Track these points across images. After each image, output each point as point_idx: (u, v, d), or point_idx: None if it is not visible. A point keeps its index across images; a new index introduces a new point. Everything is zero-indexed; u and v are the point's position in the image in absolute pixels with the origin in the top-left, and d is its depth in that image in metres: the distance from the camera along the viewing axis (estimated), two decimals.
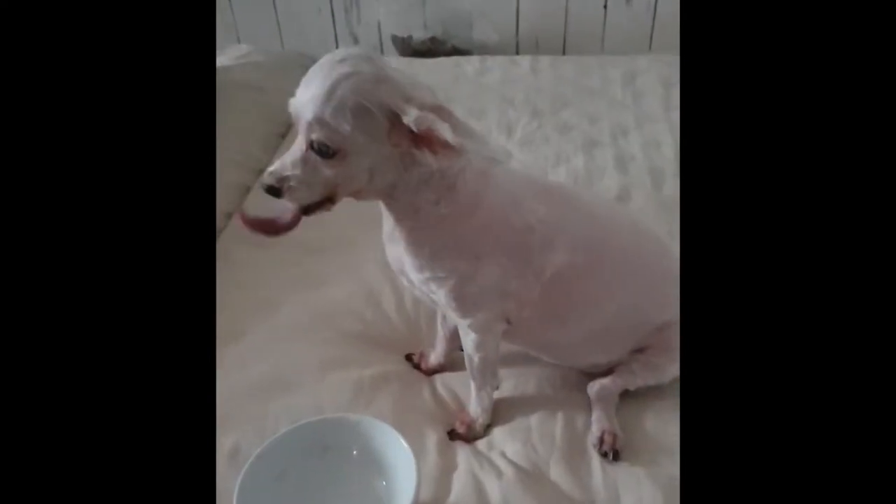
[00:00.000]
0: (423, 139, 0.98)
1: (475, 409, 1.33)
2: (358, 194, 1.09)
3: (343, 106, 0.97)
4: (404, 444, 1.01)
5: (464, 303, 1.19)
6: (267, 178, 1.03)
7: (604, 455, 1.26)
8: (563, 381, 1.43)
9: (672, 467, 1.23)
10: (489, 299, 1.20)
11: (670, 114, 2.40)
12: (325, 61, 1.00)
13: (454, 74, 2.75)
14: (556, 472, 1.24)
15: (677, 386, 1.36)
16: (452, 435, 1.33)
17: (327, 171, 1.02)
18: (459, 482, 1.22)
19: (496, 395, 1.36)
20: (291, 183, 1.02)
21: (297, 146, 1.03)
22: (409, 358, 1.52)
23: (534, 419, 1.34)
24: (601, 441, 1.28)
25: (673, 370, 1.34)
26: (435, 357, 1.48)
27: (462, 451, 1.29)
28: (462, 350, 1.43)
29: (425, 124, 0.96)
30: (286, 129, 2.43)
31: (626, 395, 1.37)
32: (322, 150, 1.00)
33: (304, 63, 2.89)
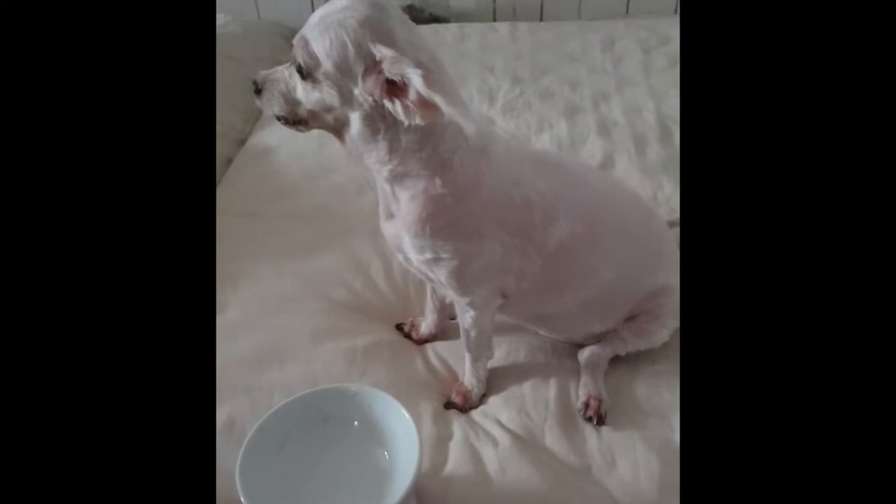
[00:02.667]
0: (396, 91, 0.97)
1: (470, 379, 1.34)
2: (336, 133, 1.10)
3: (325, 34, 0.99)
4: (406, 414, 1.00)
5: (465, 282, 1.19)
6: (258, 76, 1.10)
7: (588, 420, 1.28)
8: (554, 349, 1.44)
9: (666, 431, 1.25)
10: (490, 277, 1.19)
11: (650, 78, 2.40)
12: None
13: (433, 42, 2.68)
14: (551, 439, 1.25)
15: (669, 351, 1.38)
16: (448, 405, 1.33)
17: (300, 92, 1.06)
18: (456, 451, 1.23)
19: (489, 363, 1.37)
20: (270, 87, 1.09)
21: (284, 67, 1.08)
22: (399, 327, 1.52)
23: (527, 386, 1.35)
24: (586, 406, 1.29)
25: (662, 335, 1.35)
26: (426, 327, 1.48)
27: (457, 420, 1.30)
28: (452, 319, 1.43)
29: (398, 70, 0.94)
30: None
31: (617, 361, 1.38)
32: (299, 69, 1.04)
33: (281, 33, 2.87)
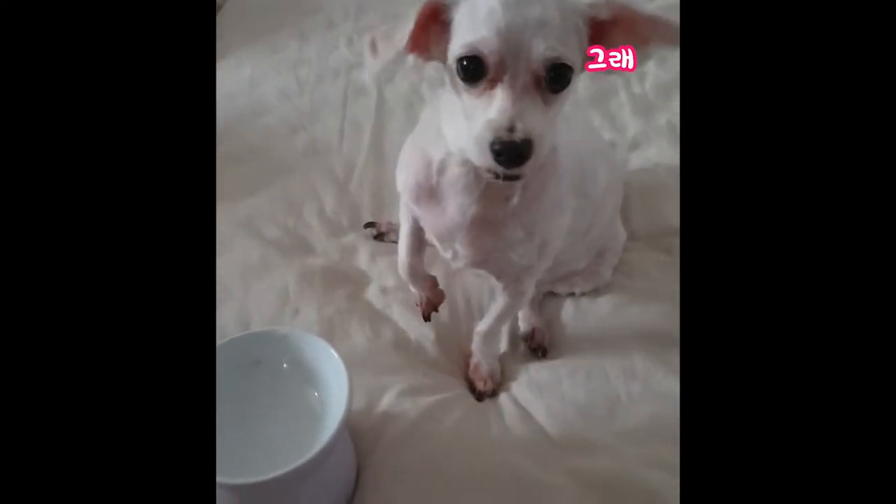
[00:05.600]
0: (619, 27, 0.81)
1: (490, 361, 1.28)
2: None
3: (566, 24, 0.79)
4: (334, 354, 1.01)
5: (542, 263, 1.10)
6: (514, 134, 0.74)
7: (534, 351, 1.31)
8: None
9: (591, 361, 1.28)
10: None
11: None
12: None
13: None
14: None
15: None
16: (480, 396, 1.25)
17: (546, 113, 0.80)
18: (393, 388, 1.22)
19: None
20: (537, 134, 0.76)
21: (506, 94, 0.77)
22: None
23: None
24: (531, 337, 1.32)
25: (607, 275, 1.39)
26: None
27: None
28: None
29: (617, 4, 0.80)
30: None
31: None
32: (558, 78, 0.78)
33: None
